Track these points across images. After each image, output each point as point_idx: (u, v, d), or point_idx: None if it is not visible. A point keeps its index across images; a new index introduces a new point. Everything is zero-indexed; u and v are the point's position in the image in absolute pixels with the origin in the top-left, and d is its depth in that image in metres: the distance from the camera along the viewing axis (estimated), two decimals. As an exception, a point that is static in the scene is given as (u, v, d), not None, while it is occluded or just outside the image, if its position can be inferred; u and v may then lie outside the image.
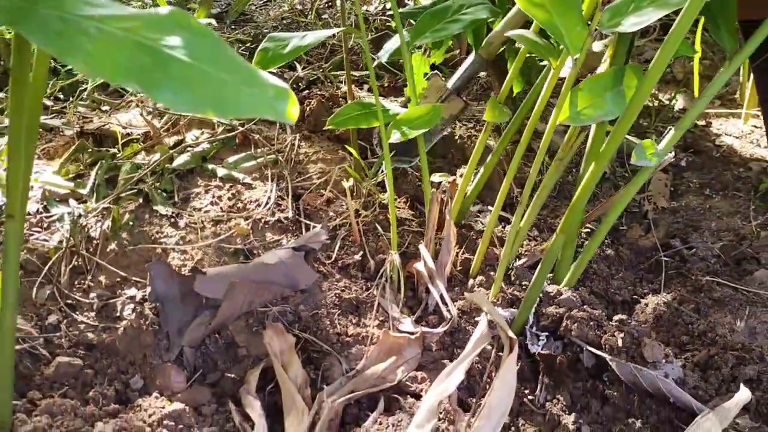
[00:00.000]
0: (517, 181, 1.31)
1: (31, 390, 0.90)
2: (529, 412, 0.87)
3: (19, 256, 0.68)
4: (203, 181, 1.18)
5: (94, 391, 0.91)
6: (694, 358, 0.94)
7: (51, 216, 1.11)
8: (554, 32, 0.79)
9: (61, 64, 1.62)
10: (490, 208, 1.22)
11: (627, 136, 1.37)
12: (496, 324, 0.86)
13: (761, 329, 0.99)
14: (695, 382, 0.87)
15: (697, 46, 1.21)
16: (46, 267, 1.03)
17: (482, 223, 1.19)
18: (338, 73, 1.68)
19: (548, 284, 1.00)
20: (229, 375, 0.96)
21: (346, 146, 1.26)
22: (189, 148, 1.21)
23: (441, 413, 0.84)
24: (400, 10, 1.07)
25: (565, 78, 0.85)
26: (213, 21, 1.65)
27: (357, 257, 1.10)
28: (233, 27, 2.02)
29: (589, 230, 1.20)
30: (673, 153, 1.20)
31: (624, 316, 1.04)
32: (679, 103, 1.67)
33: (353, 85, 1.42)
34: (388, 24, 1.90)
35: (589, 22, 0.80)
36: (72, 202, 1.13)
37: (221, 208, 1.13)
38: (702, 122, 1.60)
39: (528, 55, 1.09)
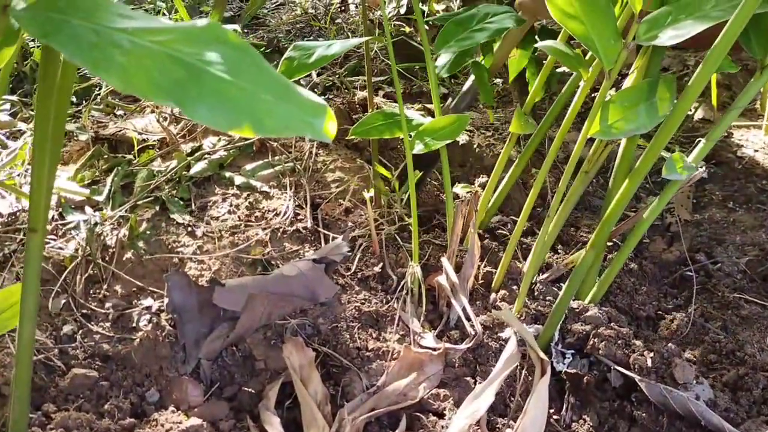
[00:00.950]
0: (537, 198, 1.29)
1: (46, 402, 0.88)
2: (555, 433, 0.85)
3: (40, 270, 0.66)
4: (220, 189, 1.16)
5: (109, 404, 0.89)
6: (723, 378, 0.92)
7: (67, 224, 1.09)
8: (588, 44, 0.77)
9: (76, 67, 1.60)
10: (512, 217, 1.20)
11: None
12: (526, 343, 0.84)
13: (791, 349, 0.97)
14: (726, 404, 0.85)
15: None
16: (62, 276, 1.02)
17: (504, 235, 1.17)
18: (353, 78, 1.66)
19: (572, 300, 0.97)
20: (246, 389, 0.95)
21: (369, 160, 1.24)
22: (206, 156, 1.20)
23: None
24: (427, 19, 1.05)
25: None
26: (238, 27, 1.63)
27: (377, 269, 1.08)
28: (246, 31, 2.00)
29: (612, 243, 1.18)
30: (704, 167, 1.18)
31: (650, 332, 1.02)
32: (698, 113, 1.65)
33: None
34: (401, 29, 1.88)
35: (625, 35, 0.78)
36: (88, 209, 1.11)
37: (239, 216, 1.12)
38: (723, 133, 1.58)
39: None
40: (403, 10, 1.92)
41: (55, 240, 1.07)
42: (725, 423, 0.82)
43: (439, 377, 0.92)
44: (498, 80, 1.75)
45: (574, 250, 1.15)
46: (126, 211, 1.10)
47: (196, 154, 1.19)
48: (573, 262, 1.07)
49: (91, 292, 1.03)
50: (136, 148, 1.24)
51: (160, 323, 0.98)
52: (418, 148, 0.98)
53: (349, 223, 1.13)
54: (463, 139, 1.48)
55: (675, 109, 0.76)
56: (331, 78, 1.62)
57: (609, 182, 0.99)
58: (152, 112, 1.36)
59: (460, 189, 1.08)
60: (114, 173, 1.17)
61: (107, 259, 1.06)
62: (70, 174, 1.21)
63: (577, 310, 0.95)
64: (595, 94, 0.84)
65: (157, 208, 1.12)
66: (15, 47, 0.57)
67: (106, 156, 1.23)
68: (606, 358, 0.88)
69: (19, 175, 1.22)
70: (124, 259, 1.06)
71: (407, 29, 1.83)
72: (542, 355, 0.80)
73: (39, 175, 0.59)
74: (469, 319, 0.96)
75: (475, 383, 0.91)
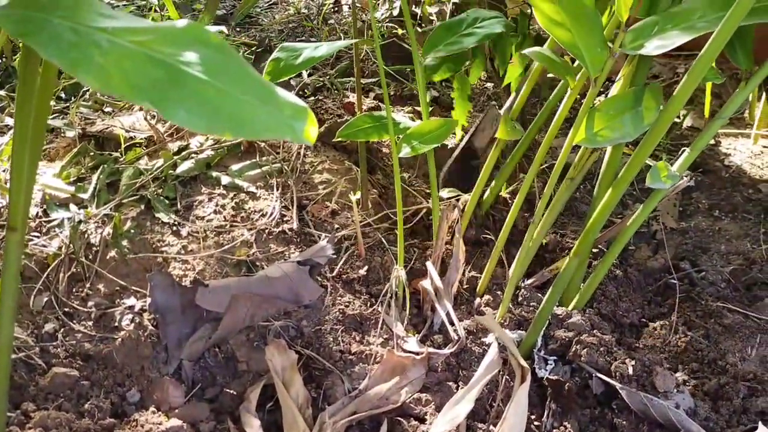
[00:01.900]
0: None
1: (25, 401, 0.87)
2: (535, 439, 0.85)
3: (20, 268, 0.66)
4: (207, 188, 1.16)
5: (89, 403, 0.89)
6: (704, 387, 0.92)
7: (51, 221, 1.09)
8: (575, 52, 0.77)
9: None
10: (499, 223, 1.20)
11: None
12: (507, 350, 0.84)
13: (773, 359, 0.97)
14: (706, 413, 0.86)
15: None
16: (45, 274, 1.01)
17: (491, 240, 1.17)
18: (344, 80, 1.66)
19: (556, 306, 0.98)
20: (228, 390, 0.94)
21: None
22: (193, 155, 1.19)
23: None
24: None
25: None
26: (224, 28, 1.62)
27: (362, 272, 1.08)
28: (238, 29, 2.00)
29: (597, 250, 1.18)
30: (689, 177, 1.18)
31: (633, 340, 1.02)
32: (687, 121, 1.66)
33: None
34: (394, 31, 1.88)
35: (611, 43, 0.78)
36: (72, 207, 1.11)
37: (224, 217, 1.11)
38: (711, 141, 1.59)
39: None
40: (396, 12, 1.91)
41: (38, 237, 1.06)
42: (704, 432, 0.82)
43: (422, 382, 0.92)
44: (489, 84, 1.75)
45: (560, 256, 1.15)
46: (111, 209, 1.09)
47: (183, 153, 1.19)
48: (558, 269, 1.07)
49: (74, 290, 1.02)
50: (122, 146, 1.23)
51: (143, 323, 0.98)
52: (405, 152, 0.98)
53: (336, 225, 1.13)
54: (451, 143, 1.48)
55: (660, 118, 0.76)
56: (321, 79, 1.62)
57: (595, 189, 0.99)
58: (140, 109, 1.35)
59: (446, 193, 1.08)
60: (100, 171, 1.16)
61: (91, 257, 1.05)
62: (55, 171, 1.20)
63: (560, 317, 0.95)
64: (584, 99, 0.84)
65: (143, 206, 1.11)
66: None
67: (92, 153, 1.22)
68: (588, 365, 0.88)
69: (5, 170, 1.21)
70: (107, 257, 1.05)
71: (400, 31, 1.83)
72: (522, 362, 0.80)
73: (19, 173, 0.58)
74: (452, 323, 0.96)
75: (457, 388, 0.91)
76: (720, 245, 1.23)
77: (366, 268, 1.08)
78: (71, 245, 1.03)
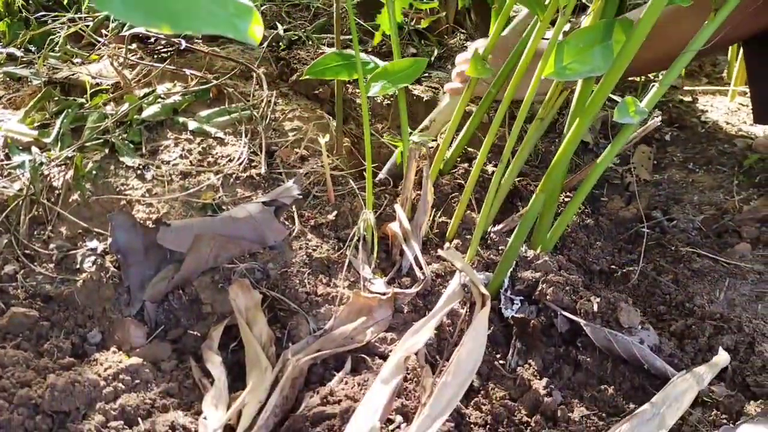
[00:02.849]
0: (496, 147, 1.28)
1: (-18, 340, 0.86)
2: (499, 377, 0.85)
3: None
4: (173, 133, 1.13)
5: (49, 343, 0.87)
6: (671, 328, 0.92)
7: (11, 164, 1.06)
8: (541, -21, 0.76)
9: (34, 14, 1.55)
10: (471, 168, 1.18)
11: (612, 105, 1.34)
12: (470, 281, 0.83)
13: (740, 301, 0.97)
14: (671, 350, 0.85)
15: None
16: (3, 215, 0.99)
17: (462, 186, 1.15)
18: (321, 36, 1.63)
19: (525, 250, 0.97)
20: (192, 332, 0.93)
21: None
22: (160, 99, 1.16)
23: (408, 371, 0.82)
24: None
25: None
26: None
27: (331, 217, 1.06)
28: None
29: (569, 198, 1.17)
30: (659, 117, 1.17)
31: (601, 286, 1.01)
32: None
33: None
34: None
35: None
36: (35, 150, 1.08)
37: (191, 161, 1.09)
38: (688, 98, 1.58)
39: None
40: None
41: (-1, 179, 1.04)
42: (668, 366, 0.81)
43: (388, 322, 0.91)
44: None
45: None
46: (74, 152, 1.07)
47: (149, 98, 1.16)
48: (528, 214, 1.06)
49: (35, 232, 1.00)
50: (88, 92, 1.20)
51: (105, 265, 0.96)
52: (374, 90, 0.96)
53: (305, 171, 1.11)
54: (428, 95, 1.46)
55: (625, 46, 0.75)
56: (297, 33, 1.59)
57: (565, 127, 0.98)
58: (108, 58, 1.32)
59: (416, 137, 1.06)
60: (64, 115, 1.13)
61: (53, 200, 1.03)
62: (19, 117, 1.17)
63: (528, 258, 0.94)
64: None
65: (107, 150, 1.08)
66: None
67: (57, 98, 1.19)
68: (553, 304, 0.87)
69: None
70: (70, 200, 1.03)
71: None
72: (483, 290, 0.79)
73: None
74: (420, 266, 0.95)
75: (423, 328, 0.90)
76: (693, 196, 1.23)
77: (335, 213, 1.07)
78: (32, 187, 1.01)
